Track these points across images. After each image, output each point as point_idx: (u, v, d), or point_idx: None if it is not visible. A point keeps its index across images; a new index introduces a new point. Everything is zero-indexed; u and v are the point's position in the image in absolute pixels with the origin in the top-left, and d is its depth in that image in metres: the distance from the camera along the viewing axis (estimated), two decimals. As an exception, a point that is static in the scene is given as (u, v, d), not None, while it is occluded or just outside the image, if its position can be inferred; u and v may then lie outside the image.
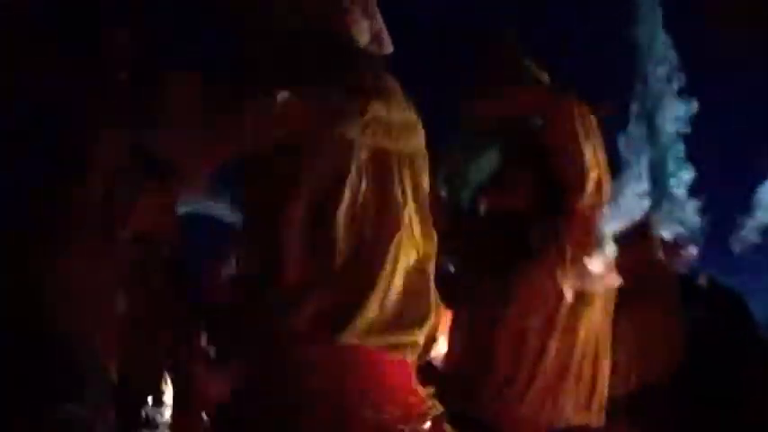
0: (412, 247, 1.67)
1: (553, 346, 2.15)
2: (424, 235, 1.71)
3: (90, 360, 2.14)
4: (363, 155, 1.62)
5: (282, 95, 1.58)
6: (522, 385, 2.14)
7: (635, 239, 3.19)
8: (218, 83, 1.68)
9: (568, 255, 2.14)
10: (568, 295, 2.12)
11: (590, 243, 2.16)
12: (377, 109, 1.64)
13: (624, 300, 3.14)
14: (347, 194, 1.60)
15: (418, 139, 1.73)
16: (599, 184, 2.16)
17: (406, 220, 1.66)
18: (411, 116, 1.73)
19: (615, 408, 2.40)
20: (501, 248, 2.24)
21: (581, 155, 2.14)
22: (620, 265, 3.28)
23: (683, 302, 3.19)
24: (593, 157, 2.15)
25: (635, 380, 2.97)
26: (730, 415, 3.06)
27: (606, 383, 2.26)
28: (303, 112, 1.60)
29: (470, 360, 2.23)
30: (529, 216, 2.22)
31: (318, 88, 1.63)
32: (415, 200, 1.68)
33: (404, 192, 1.66)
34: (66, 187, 2.23)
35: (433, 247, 1.73)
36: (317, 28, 1.71)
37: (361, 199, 1.62)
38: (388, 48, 1.79)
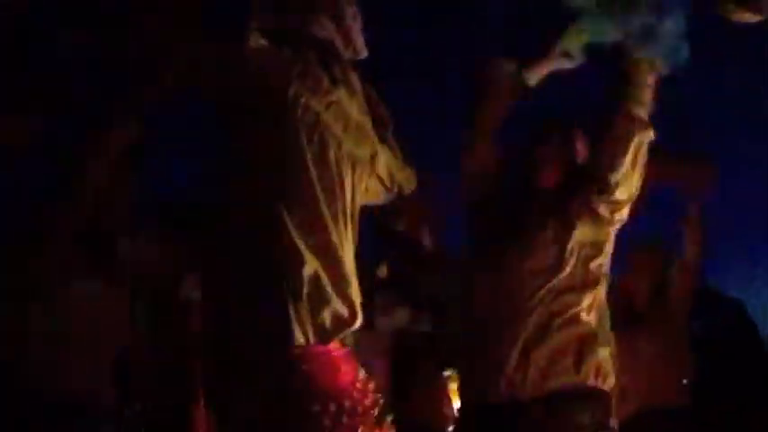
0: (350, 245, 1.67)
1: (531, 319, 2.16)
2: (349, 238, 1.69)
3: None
4: (328, 136, 1.62)
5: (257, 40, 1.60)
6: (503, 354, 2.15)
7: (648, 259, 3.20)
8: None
9: (574, 237, 2.17)
10: None
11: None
12: (341, 96, 1.66)
13: (635, 323, 3.13)
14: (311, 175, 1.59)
15: (367, 149, 1.73)
16: (622, 202, 2.20)
17: (348, 215, 1.65)
18: (368, 122, 1.74)
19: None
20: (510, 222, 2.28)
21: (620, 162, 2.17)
22: (633, 289, 3.32)
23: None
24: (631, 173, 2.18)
25: (644, 403, 2.94)
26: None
27: (599, 349, 2.21)
28: (275, 61, 1.61)
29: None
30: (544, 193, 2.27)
31: (294, 50, 1.64)
32: (352, 201, 1.68)
33: (344, 189, 1.65)
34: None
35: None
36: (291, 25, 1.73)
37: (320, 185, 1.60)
38: (362, 53, 1.81)
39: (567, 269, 2.16)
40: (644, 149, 2.20)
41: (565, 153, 2.29)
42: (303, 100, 1.60)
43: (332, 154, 1.63)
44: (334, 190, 1.63)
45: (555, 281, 2.16)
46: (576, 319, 2.16)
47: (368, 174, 1.77)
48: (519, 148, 2.36)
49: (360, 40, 1.81)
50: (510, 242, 2.22)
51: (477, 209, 2.35)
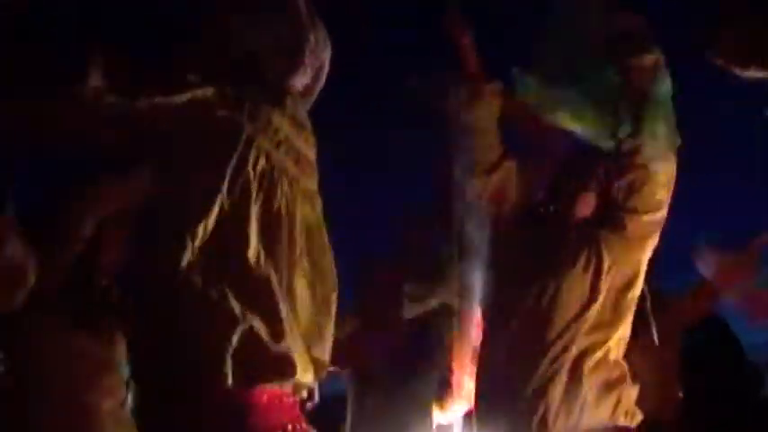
0: (305, 285, 1.65)
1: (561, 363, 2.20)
2: (318, 273, 1.69)
3: None
4: (278, 174, 1.61)
5: (205, 91, 1.57)
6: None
7: None
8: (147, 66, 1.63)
9: (606, 264, 2.20)
10: None
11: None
12: (290, 133, 1.65)
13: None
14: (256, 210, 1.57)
15: (315, 184, 1.73)
16: (656, 227, 2.31)
17: (297, 253, 1.64)
18: (313, 156, 1.74)
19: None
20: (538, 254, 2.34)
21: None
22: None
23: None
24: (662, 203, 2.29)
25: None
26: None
27: (632, 390, 2.31)
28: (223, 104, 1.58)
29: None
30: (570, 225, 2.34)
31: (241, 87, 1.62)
32: (309, 238, 1.67)
33: (294, 219, 1.64)
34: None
35: (329, 286, 1.71)
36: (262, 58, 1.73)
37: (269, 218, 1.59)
38: (306, 107, 1.81)
39: (600, 298, 2.15)
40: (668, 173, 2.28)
41: (601, 185, 2.37)
42: (255, 143, 1.58)
43: (281, 202, 1.60)
44: (280, 240, 1.59)
45: (588, 313, 2.14)
46: (606, 361, 2.15)
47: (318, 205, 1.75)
48: (555, 174, 2.37)
49: (312, 99, 1.84)
50: (543, 272, 2.21)
51: (501, 232, 2.34)
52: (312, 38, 1.77)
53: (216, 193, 1.54)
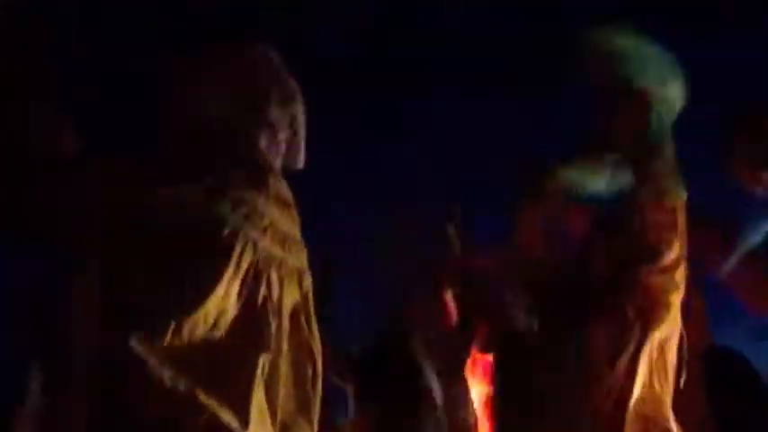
0: (288, 366, 1.59)
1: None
2: (302, 352, 1.64)
3: None
4: (264, 264, 1.56)
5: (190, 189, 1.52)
6: None
7: None
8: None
9: (630, 315, 2.21)
10: None
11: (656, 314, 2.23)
12: (273, 214, 1.59)
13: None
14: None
15: (304, 259, 1.69)
16: (671, 267, 2.25)
17: (283, 337, 1.59)
18: (298, 233, 1.70)
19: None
20: (572, 307, 2.33)
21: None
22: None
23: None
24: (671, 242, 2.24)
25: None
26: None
27: None
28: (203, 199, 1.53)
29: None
30: (598, 282, 2.32)
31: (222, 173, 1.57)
32: (295, 318, 1.62)
33: (281, 305, 1.58)
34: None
35: (314, 364, 1.66)
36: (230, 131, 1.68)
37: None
38: (299, 164, 1.80)
39: (630, 349, 2.15)
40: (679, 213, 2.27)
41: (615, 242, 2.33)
42: (242, 233, 1.53)
43: (267, 292, 1.55)
44: (266, 328, 1.55)
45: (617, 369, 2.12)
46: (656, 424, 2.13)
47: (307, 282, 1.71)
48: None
49: (301, 155, 1.78)
50: (571, 335, 2.21)
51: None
52: (275, 91, 1.74)
53: (201, 289, 1.48)
